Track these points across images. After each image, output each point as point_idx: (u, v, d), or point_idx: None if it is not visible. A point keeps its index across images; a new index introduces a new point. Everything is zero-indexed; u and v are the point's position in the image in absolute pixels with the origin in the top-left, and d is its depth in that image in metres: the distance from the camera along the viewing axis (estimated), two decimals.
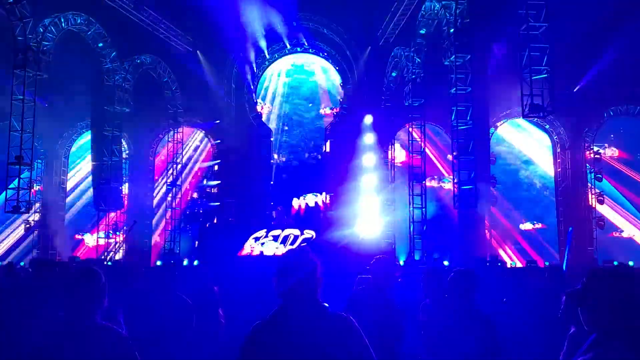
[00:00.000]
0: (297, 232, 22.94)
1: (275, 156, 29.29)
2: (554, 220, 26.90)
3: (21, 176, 19.77)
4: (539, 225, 27.34)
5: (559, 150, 27.17)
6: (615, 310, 2.51)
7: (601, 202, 25.56)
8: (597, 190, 25.65)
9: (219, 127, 27.59)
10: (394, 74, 25.53)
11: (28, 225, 26.81)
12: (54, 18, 21.05)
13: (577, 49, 22.88)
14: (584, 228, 25.70)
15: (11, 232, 27.35)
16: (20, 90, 19.35)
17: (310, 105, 30.28)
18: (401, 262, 22.89)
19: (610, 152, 27.30)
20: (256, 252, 22.77)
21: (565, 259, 9.56)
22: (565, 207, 26.50)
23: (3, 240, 27.05)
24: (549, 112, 14.86)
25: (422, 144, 23.07)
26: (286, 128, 29.96)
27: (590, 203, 25.89)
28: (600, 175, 25.74)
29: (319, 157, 29.28)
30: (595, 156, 25.74)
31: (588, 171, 26.08)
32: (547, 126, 26.97)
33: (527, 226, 27.37)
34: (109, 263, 21.26)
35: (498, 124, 27.28)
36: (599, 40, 23.27)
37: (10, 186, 19.74)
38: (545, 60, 14.94)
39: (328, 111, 29.84)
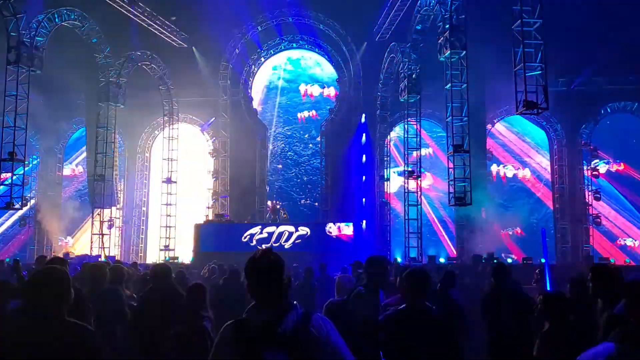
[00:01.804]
0: (292, 228, 22.82)
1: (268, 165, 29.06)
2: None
3: (15, 172, 19.68)
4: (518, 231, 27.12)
5: (555, 146, 27.11)
6: None
7: (597, 199, 25.52)
8: (594, 188, 25.65)
9: (214, 123, 27.50)
10: (390, 70, 25.44)
11: (23, 222, 26.81)
12: (47, 14, 20.92)
13: (574, 45, 22.84)
14: (580, 225, 25.72)
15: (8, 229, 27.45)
16: (14, 86, 19.25)
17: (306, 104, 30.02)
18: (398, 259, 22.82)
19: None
20: None
21: (546, 274, 9.32)
22: (562, 203, 26.46)
23: None
24: (543, 109, 14.75)
25: (418, 140, 22.96)
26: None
27: (587, 200, 25.86)
28: (596, 172, 25.77)
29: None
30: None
31: (585, 167, 26.06)
32: (544, 123, 26.91)
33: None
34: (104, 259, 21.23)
35: (495, 120, 27.23)
36: (595, 36, 23.20)
37: (4, 182, 19.68)
38: (539, 56, 14.84)
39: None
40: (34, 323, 3.15)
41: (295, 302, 3.01)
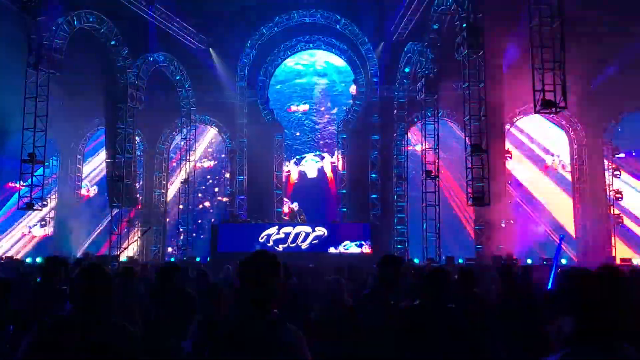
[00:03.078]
0: (308, 229, 22.83)
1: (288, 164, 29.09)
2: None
3: (35, 174, 19.90)
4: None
5: (575, 146, 26.80)
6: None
7: (619, 199, 25.18)
8: (615, 188, 25.31)
9: (232, 125, 27.65)
10: (407, 70, 25.33)
11: (43, 222, 27.11)
12: (66, 16, 21.11)
13: (595, 43, 22.55)
14: (600, 226, 25.39)
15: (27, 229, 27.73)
16: (34, 88, 19.47)
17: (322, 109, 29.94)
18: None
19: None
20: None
21: (551, 275, 9.20)
22: (582, 204, 26.14)
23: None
24: (562, 108, 14.56)
25: (436, 140, 22.81)
26: (298, 134, 29.64)
27: (608, 200, 25.54)
28: (618, 172, 25.40)
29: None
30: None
31: (606, 168, 25.73)
32: (564, 122, 26.62)
33: None
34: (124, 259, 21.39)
35: (514, 119, 27.00)
36: (616, 35, 22.89)
37: (24, 183, 19.91)
38: (558, 55, 14.65)
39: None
40: (88, 327, 3.15)
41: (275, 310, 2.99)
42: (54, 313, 4.56)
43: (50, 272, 5.78)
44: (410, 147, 26.71)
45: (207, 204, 29.84)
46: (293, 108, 29.45)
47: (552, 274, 9.31)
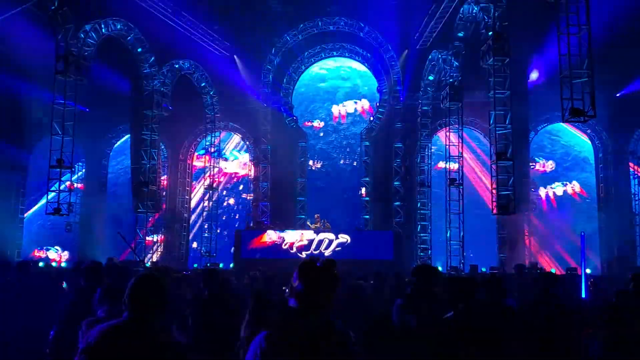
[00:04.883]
0: (332, 236, 22.84)
1: (311, 162, 29.31)
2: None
3: (62, 179, 20.15)
4: None
5: (601, 155, 26.56)
6: None
7: None
8: None
9: (255, 132, 27.81)
10: (431, 78, 25.29)
11: (69, 227, 27.38)
12: (94, 24, 21.37)
13: (619, 51, 22.40)
14: (625, 235, 25.12)
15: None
16: (62, 95, 19.73)
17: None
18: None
19: None
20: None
21: (582, 283, 9.10)
22: (607, 213, 25.86)
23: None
24: (589, 117, 14.44)
25: (460, 148, 22.75)
26: (322, 134, 29.97)
27: (633, 209, 25.26)
28: None
29: (355, 163, 29.24)
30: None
31: (632, 177, 25.46)
32: (589, 131, 26.41)
33: None
34: (148, 264, 21.55)
35: (538, 128, 26.85)
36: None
37: (51, 189, 20.15)
38: (586, 63, 14.55)
39: (367, 106, 29.61)
40: (143, 336, 3.19)
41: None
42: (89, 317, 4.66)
43: (92, 278, 5.85)
44: (433, 150, 26.64)
45: (231, 201, 30.17)
46: (307, 124, 29.83)
47: (582, 283, 9.25)
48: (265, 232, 23.41)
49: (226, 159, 29.78)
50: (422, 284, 5.58)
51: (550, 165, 27.89)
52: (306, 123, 29.76)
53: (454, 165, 22.83)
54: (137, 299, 3.27)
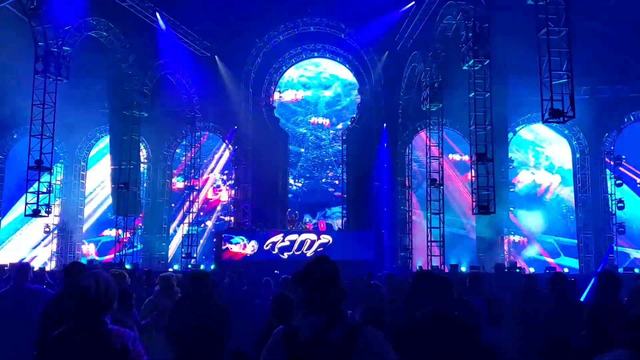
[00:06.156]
0: (314, 236, 22.89)
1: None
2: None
3: (41, 180, 19.91)
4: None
5: (578, 155, 26.91)
6: None
7: (621, 208, 25.23)
8: (618, 197, 25.38)
9: (236, 133, 27.73)
10: (411, 79, 25.44)
11: (47, 229, 27.08)
12: (74, 23, 21.18)
13: (596, 52, 22.72)
14: (603, 235, 25.48)
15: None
16: (41, 94, 19.48)
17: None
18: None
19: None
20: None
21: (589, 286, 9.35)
22: (585, 213, 26.22)
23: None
24: (569, 117, 14.66)
25: (440, 149, 22.93)
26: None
27: (610, 209, 25.61)
28: (620, 181, 25.45)
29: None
30: (616, 162, 25.44)
31: (608, 177, 25.81)
32: (567, 131, 26.73)
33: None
34: (129, 267, 21.35)
35: (517, 128, 27.13)
36: (619, 44, 23.12)
37: (30, 190, 19.88)
38: (565, 64, 14.77)
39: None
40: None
41: (350, 311, 2.97)
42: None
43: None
44: (416, 154, 26.80)
45: (209, 223, 29.85)
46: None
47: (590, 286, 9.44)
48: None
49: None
50: (420, 289, 5.50)
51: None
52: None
53: (435, 165, 22.97)
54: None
